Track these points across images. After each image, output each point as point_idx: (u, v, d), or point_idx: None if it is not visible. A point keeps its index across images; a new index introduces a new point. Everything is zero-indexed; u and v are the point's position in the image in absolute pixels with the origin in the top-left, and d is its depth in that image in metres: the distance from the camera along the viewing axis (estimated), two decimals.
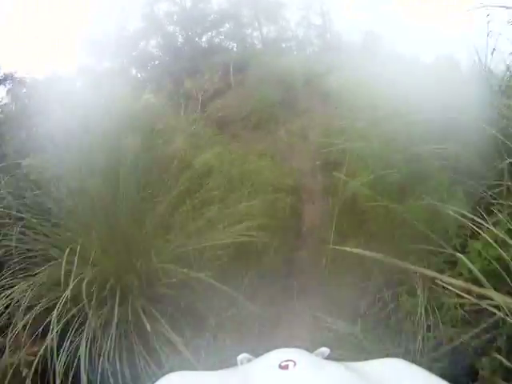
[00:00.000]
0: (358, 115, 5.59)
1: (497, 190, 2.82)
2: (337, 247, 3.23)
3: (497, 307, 2.03)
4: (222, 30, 17.79)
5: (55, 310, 2.25)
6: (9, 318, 2.45)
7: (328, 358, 1.02)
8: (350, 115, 6.51)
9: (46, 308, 2.43)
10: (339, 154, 5.04)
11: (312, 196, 4.98)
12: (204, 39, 10.10)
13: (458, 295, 2.31)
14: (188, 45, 9.47)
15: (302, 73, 10.10)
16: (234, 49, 17.85)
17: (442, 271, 2.58)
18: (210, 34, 10.11)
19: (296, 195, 4.92)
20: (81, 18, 10.89)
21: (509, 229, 2.32)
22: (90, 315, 2.37)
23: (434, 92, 3.85)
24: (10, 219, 2.92)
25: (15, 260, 2.76)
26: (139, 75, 10.32)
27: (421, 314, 2.46)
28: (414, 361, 0.86)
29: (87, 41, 10.95)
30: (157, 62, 9.86)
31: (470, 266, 2.19)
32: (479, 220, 2.40)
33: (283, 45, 18.10)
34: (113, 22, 10.53)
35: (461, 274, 2.45)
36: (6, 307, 2.45)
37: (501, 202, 2.65)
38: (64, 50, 11.54)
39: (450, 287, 2.37)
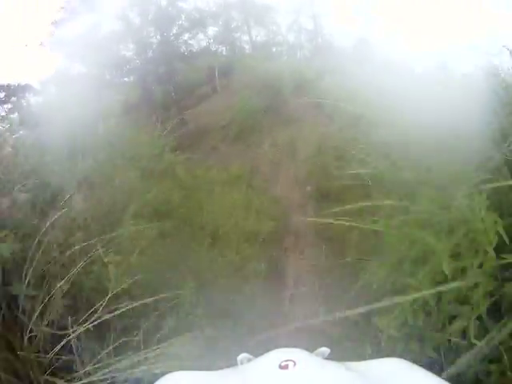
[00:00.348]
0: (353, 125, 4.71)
1: None
2: None
3: None
4: (209, 32, 16.59)
5: None
6: None
7: (328, 357, 0.96)
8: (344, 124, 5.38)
9: None
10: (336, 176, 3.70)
11: (299, 242, 3.52)
12: (181, 41, 8.59)
13: None
14: (164, 46, 8.00)
15: (291, 78, 8.64)
16: (224, 52, 16.56)
17: None
18: (188, 34, 8.62)
19: (278, 245, 3.45)
20: (50, 19, 9.35)
21: None
22: None
23: (433, 103, 3.39)
24: None
25: None
26: (108, 77, 8.76)
27: None
28: None
29: (57, 43, 9.44)
30: (132, 66, 8.36)
31: None
32: None
33: (274, 49, 16.73)
34: (84, 23, 8.98)
35: None
36: None
37: None
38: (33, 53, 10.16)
39: None
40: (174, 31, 8.21)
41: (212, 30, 16.61)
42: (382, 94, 4.72)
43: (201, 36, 17.00)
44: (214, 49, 16.67)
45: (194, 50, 9.12)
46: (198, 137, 7.60)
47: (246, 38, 16.93)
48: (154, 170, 4.31)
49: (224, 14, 16.36)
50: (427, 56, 6.91)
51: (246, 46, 16.64)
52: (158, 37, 8.09)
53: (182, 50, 8.59)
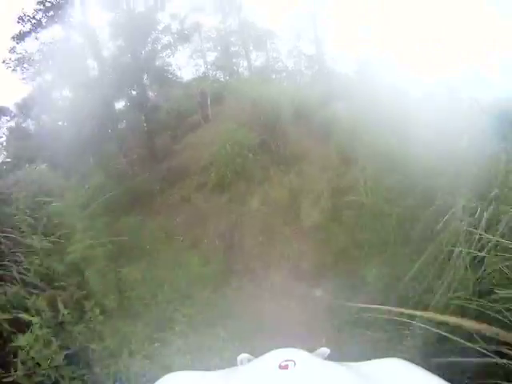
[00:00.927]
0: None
1: None
2: None
3: None
4: (208, 59, 14.73)
5: None
6: None
7: (328, 358, 0.90)
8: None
9: None
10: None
11: None
12: (158, 58, 6.44)
13: None
14: (137, 65, 5.91)
15: (291, 104, 6.47)
16: (222, 78, 14.64)
17: None
18: (167, 51, 6.49)
19: None
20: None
21: None
22: None
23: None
24: None
25: None
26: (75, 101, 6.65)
27: None
28: None
29: (20, 60, 7.49)
30: (99, 87, 6.24)
31: None
32: None
33: (273, 76, 14.77)
34: (47, 37, 7.00)
35: None
36: None
37: None
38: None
39: None
40: (150, 47, 6.10)
41: (210, 56, 14.94)
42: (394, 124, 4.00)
43: (200, 62, 15.31)
44: (211, 74, 14.87)
45: (167, 70, 6.88)
46: (170, 180, 5.43)
47: (244, 63, 15.09)
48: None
49: (224, 38, 14.69)
50: (434, 82, 5.99)
51: (245, 72, 14.74)
52: (129, 55, 5.99)
53: (157, 67, 6.44)
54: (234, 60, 14.99)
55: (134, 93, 6.24)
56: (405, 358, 0.75)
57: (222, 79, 14.20)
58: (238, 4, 14.19)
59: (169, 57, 6.51)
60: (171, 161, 6.31)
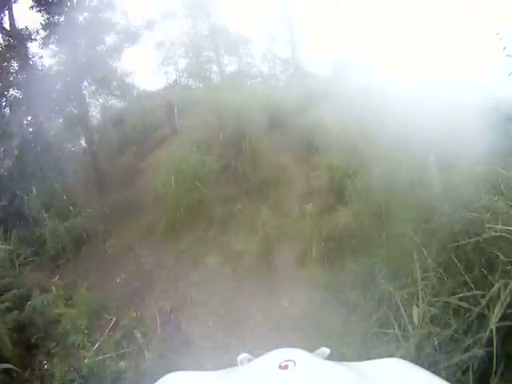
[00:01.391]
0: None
1: None
2: None
3: None
4: (180, 65, 13.20)
5: None
6: None
7: (328, 358, 0.80)
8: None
9: None
10: None
11: None
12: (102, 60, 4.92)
13: None
14: (73, 65, 4.44)
15: (264, 114, 5.11)
16: (193, 86, 13.20)
17: None
18: (116, 53, 5.01)
19: None
20: None
21: None
22: None
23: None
24: None
25: None
26: None
27: None
28: None
29: None
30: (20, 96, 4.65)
31: None
32: None
33: (248, 82, 13.37)
34: None
35: None
36: None
37: None
38: None
39: None
40: (92, 51, 4.59)
41: (182, 62, 13.58)
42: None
43: (170, 69, 13.83)
44: (182, 81, 13.43)
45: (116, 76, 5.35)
46: (119, 217, 4.04)
47: (217, 69, 13.72)
48: None
49: (196, 44, 13.40)
50: (415, 83, 5.31)
51: (217, 78, 13.33)
52: (63, 56, 4.50)
53: (105, 74, 4.95)
54: (205, 66, 13.57)
55: (74, 111, 4.75)
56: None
57: (194, 86, 12.78)
58: (208, 9, 12.85)
59: (114, 61, 5.03)
60: (126, 187, 4.91)
